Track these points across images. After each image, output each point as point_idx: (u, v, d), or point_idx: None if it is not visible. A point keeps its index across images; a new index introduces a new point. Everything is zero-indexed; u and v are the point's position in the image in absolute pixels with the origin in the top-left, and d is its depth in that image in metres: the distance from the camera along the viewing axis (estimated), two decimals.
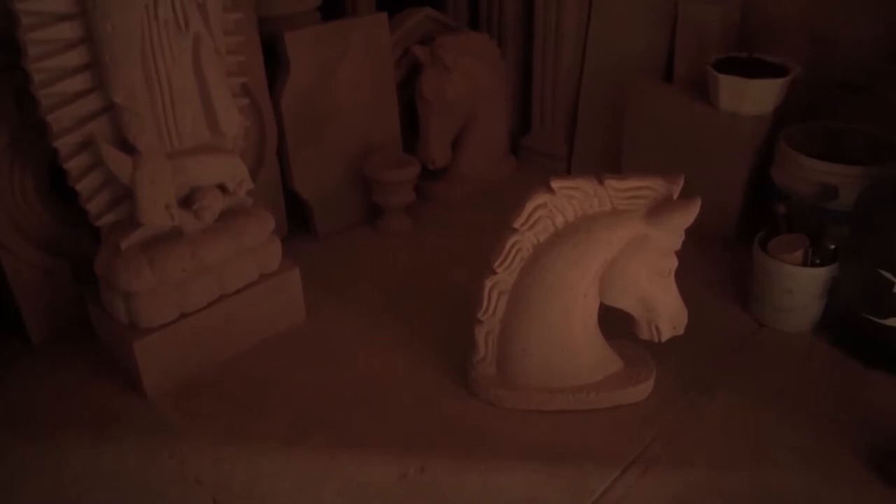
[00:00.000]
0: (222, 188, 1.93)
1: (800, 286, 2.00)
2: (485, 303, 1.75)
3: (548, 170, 2.94)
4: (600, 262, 1.67)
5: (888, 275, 1.82)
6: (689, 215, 1.61)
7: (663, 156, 2.46)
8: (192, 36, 1.75)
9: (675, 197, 1.65)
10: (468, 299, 1.81)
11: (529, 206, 1.66)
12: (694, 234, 1.70)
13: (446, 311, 2.16)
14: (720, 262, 2.35)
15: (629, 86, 2.57)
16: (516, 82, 3.02)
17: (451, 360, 1.97)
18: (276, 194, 2.44)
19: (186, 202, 1.88)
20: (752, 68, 2.29)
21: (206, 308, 1.94)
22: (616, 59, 2.72)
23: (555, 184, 1.64)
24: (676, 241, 1.67)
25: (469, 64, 2.65)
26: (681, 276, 1.71)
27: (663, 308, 1.71)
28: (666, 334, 1.73)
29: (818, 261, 1.99)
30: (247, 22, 2.06)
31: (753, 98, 2.25)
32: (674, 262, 1.69)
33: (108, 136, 1.75)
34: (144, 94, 1.72)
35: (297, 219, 2.57)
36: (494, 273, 1.72)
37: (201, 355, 1.96)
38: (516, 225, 1.67)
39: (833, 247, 1.99)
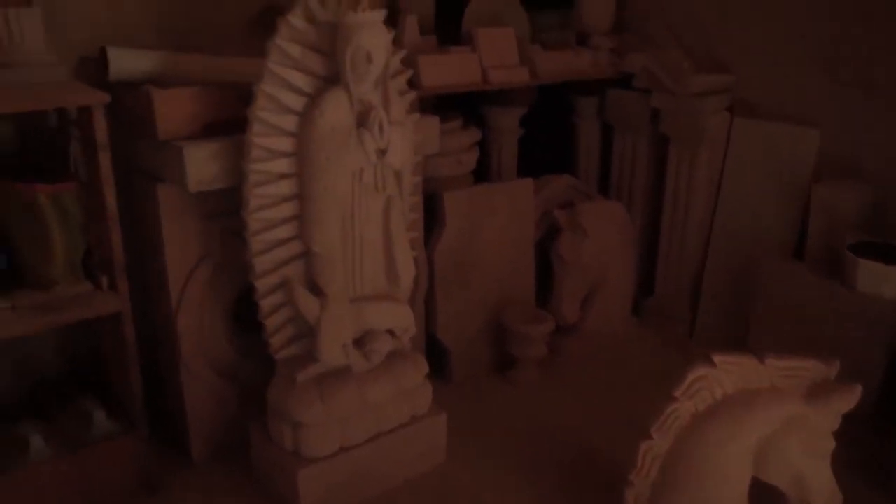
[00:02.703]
0: (391, 332, 2.09)
1: None
2: (638, 465, 1.81)
3: (670, 333, 3.03)
4: (757, 438, 1.73)
5: None
6: (849, 400, 1.67)
7: (794, 332, 2.52)
8: (385, 197, 1.98)
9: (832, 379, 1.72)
10: (600, 458, 1.85)
11: (690, 377, 1.74)
12: None
13: (579, 466, 2.21)
14: (859, 443, 2.33)
15: (759, 261, 2.68)
16: (643, 245, 3.17)
17: None
18: (419, 339, 2.59)
19: (358, 343, 2.04)
20: (889, 252, 2.37)
21: (362, 444, 2.06)
22: (745, 231, 2.86)
23: (716, 358, 1.73)
24: (834, 422, 1.72)
25: (603, 230, 2.83)
26: None
27: (818, 490, 1.73)
28: None
29: None
30: (420, 184, 2.30)
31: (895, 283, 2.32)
32: (831, 444, 1.73)
33: (300, 279, 1.96)
34: (339, 246, 1.94)
35: (431, 363, 2.70)
36: (650, 437, 1.79)
37: (353, 490, 2.05)
38: (676, 394, 1.75)
39: None
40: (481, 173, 2.88)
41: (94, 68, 2.01)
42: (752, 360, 1.73)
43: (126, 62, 1.97)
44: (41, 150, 1.99)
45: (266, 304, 1.97)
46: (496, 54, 2.65)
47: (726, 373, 1.73)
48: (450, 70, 2.54)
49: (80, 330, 2.05)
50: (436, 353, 2.69)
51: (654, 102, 2.93)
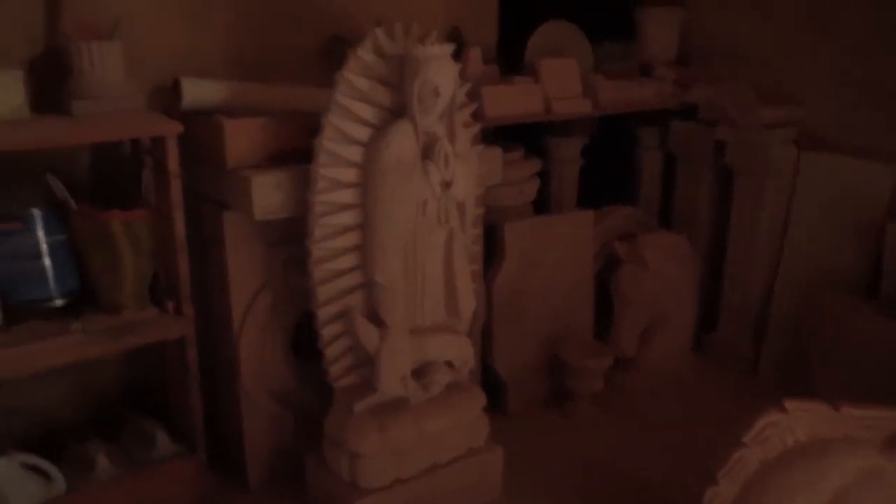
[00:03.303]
0: (449, 364, 2.08)
1: None
2: None
3: (733, 370, 2.95)
4: (831, 490, 1.65)
5: None
6: None
7: (864, 374, 2.42)
8: (448, 230, 1.98)
9: None
10: (658, 500, 1.80)
11: (761, 423, 1.69)
12: None
13: None
14: None
15: (828, 299, 2.60)
16: (706, 279, 3.10)
17: None
18: (476, 370, 2.57)
19: (417, 374, 2.04)
20: None
21: (418, 476, 2.04)
22: (813, 268, 2.76)
23: (789, 404, 1.67)
24: None
25: (664, 263, 2.78)
26: None
27: None
28: None
29: None
30: (482, 216, 2.29)
31: None
32: None
33: (361, 309, 1.97)
34: (401, 277, 1.94)
35: (487, 395, 2.67)
36: (717, 483, 1.73)
37: None
38: (745, 439, 1.70)
39: None
40: (541, 203, 2.86)
41: (168, 97, 2.06)
42: (827, 407, 1.66)
43: (198, 92, 2.02)
44: (116, 177, 2.05)
45: (326, 332, 1.98)
46: (559, 85, 2.64)
47: (798, 420, 1.67)
48: (513, 101, 2.54)
49: (146, 352, 2.08)
50: (492, 385, 2.67)
51: (719, 134, 2.88)
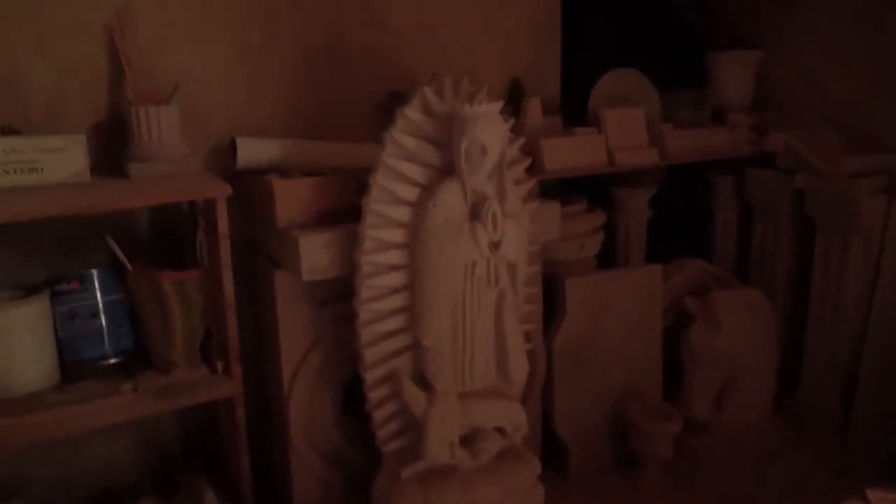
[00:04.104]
0: (500, 430, 2.00)
1: None
2: None
3: (818, 437, 2.73)
4: None
5: None
6: None
7: None
8: (498, 290, 1.91)
9: None
10: None
11: None
12: None
13: None
14: None
15: None
16: (787, 338, 2.90)
17: None
18: (534, 432, 2.47)
19: (465, 440, 1.96)
20: None
21: None
22: None
23: (871, 493, 1.51)
24: None
25: (739, 320, 2.61)
26: None
27: None
28: None
29: None
30: (538, 273, 2.22)
31: None
32: None
33: (409, 372, 1.92)
34: (449, 339, 1.88)
35: (546, 458, 2.55)
36: None
37: None
38: None
39: None
40: (606, 256, 2.76)
41: (226, 156, 2.09)
42: None
43: (253, 151, 2.04)
44: (174, 238, 2.09)
45: (374, 396, 1.94)
46: (623, 135, 2.56)
47: None
48: (574, 152, 2.47)
49: (201, 409, 2.10)
50: (553, 449, 2.56)
51: (798, 183, 2.71)
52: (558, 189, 2.59)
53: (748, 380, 2.70)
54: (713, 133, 2.78)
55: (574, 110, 2.73)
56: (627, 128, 2.57)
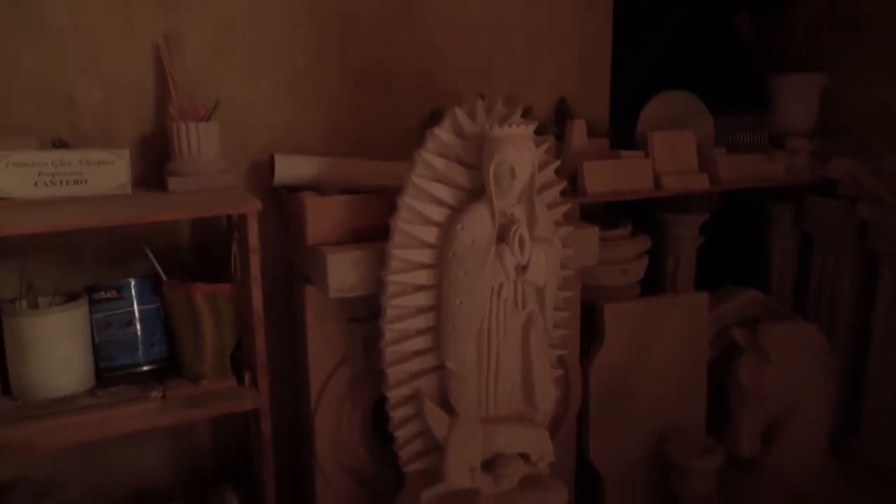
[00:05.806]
0: (524, 457, 1.95)
1: None
2: None
3: (879, 483, 2.56)
4: None
5: None
6: None
7: None
8: (525, 314, 1.87)
9: None
10: None
11: None
12: None
13: None
14: None
15: None
16: (847, 376, 2.75)
17: None
18: (567, 462, 2.40)
19: (488, 465, 1.92)
20: None
21: None
22: None
23: None
24: None
25: (791, 354, 2.49)
26: None
27: None
28: None
29: None
30: (574, 298, 2.17)
31: None
32: None
33: (431, 393, 1.90)
34: (473, 363, 1.85)
35: (581, 490, 2.49)
36: None
37: None
38: None
39: None
40: (652, 282, 2.68)
41: (265, 172, 2.13)
42: None
43: (291, 168, 2.07)
44: (212, 251, 2.14)
45: (397, 415, 1.93)
46: (672, 159, 2.48)
47: None
48: (618, 176, 2.41)
49: (233, 420, 2.13)
50: (588, 480, 2.48)
51: (862, 212, 2.57)
52: (602, 213, 2.54)
53: (801, 418, 2.56)
54: (770, 159, 2.66)
55: (624, 133, 2.67)
56: (676, 151, 2.50)
